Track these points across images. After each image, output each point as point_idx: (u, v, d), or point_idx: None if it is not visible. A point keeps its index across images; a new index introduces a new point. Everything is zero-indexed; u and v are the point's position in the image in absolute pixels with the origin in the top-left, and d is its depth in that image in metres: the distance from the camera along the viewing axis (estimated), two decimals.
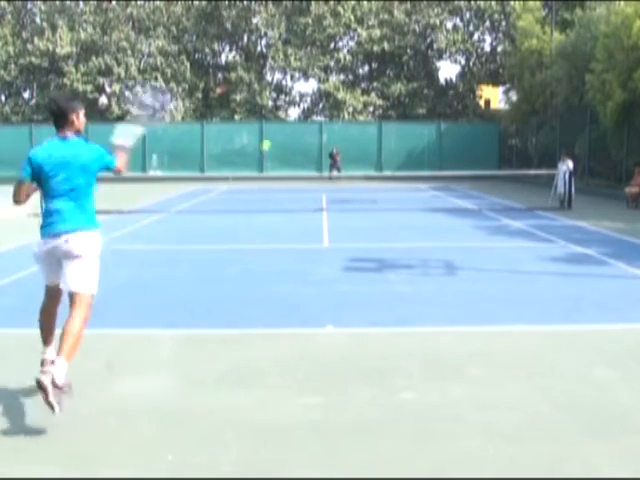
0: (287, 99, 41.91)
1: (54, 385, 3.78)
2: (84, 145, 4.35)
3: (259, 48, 41.14)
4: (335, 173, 31.79)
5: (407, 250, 10.93)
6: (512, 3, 34.99)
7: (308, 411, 4.28)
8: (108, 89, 39.27)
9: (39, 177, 4.28)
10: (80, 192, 4.27)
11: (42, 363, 4.20)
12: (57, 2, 38.84)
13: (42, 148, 4.32)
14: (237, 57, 40.50)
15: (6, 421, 4.17)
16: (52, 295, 4.42)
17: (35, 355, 5.49)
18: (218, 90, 41.11)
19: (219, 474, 3.48)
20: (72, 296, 4.23)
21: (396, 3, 38.29)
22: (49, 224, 4.25)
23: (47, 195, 4.29)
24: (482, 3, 37.76)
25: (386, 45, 38.30)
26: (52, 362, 4.03)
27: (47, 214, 4.27)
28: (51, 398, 3.78)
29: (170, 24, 39.22)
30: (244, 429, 4.01)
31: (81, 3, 38.92)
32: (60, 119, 4.29)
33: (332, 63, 39.72)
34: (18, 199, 4.36)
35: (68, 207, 4.23)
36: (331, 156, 32.73)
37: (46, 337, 4.44)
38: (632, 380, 4.82)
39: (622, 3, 21.69)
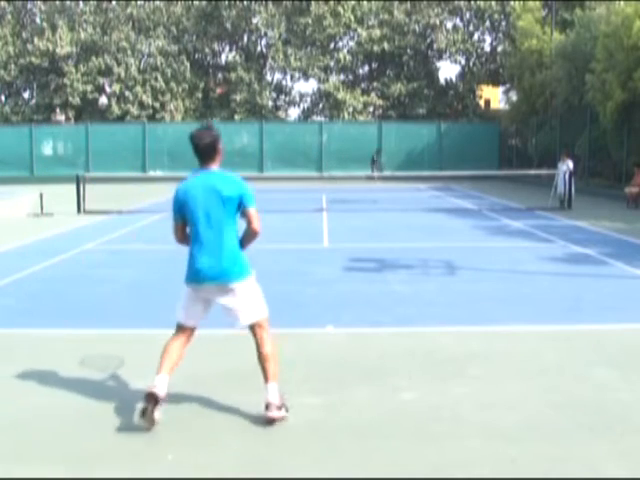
0: (287, 99, 41.91)
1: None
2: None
3: (259, 48, 41.15)
4: (376, 173, 31.70)
5: (407, 250, 10.93)
6: (512, 3, 34.95)
7: (308, 411, 4.28)
8: (108, 89, 39.26)
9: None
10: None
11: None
12: (57, 2, 38.82)
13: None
14: (237, 57, 40.49)
15: (6, 421, 4.17)
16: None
17: (34, 355, 5.50)
18: (218, 90, 41.10)
19: (219, 474, 3.48)
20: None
21: (396, 3, 38.27)
22: None
23: None
24: (482, 3, 37.75)
25: (386, 45, 38.29)
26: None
27: None
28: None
29: (170, 24, 39.22)
30: (244, 429, 4.02)
31: (81, 3, 38.91)
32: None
33: (332, 63, 39.71)
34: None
35: None
36: (376, 153, 33.23)
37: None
38: (632, 380, 4.82)
39: (622, 3, 21.68)
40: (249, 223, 4.15)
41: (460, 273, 8.96)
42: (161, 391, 4.04)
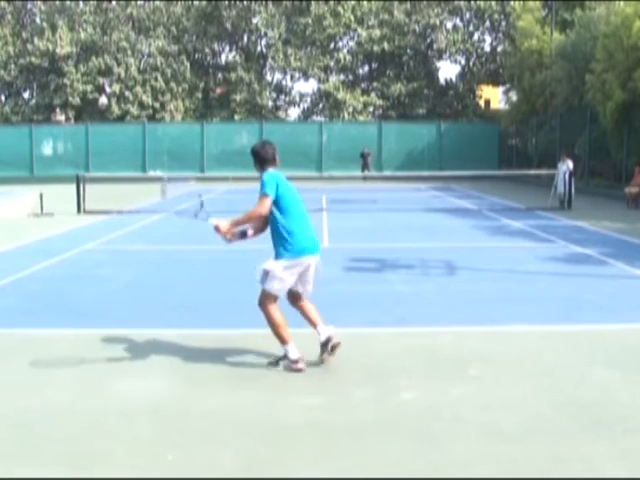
0: (287, 99, 41.92)
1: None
2: None
3: (259, 48, 41.15)
4: (367, 172, 31.87)
5: (407, 250, 10.93)
6: (512, 3, 34.96)
7: (308, 411, 4.28)
8: (108, 89, 39.27)
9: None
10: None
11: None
12: (57, 2, 38.83)
13: None
14: (237, 57, 40.50)
15: (6, 421, 4.17)
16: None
17: (34, 355, 5.50)
18: (218, 90, 41.11)
19: (219, 474, 3.48)
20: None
21: (396, 3, 38.28)
22: None
23: None
24: (482, 3, 37.76)
25: (386, 45, 38.30)
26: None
27: None
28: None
29: (170, 24, 39.23)
30: (244, 429, 4.02)
31: (81, 3, 38.90)
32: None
33: (332, 63, 39.72)
34: None
35: None
36: (362, 156, 32.95)
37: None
38: (632, 380, 4.82)
39: (622, 3, 21.68)
40: None
41: (460, 273, 8.96)
42: (297, 354, 5.03)
